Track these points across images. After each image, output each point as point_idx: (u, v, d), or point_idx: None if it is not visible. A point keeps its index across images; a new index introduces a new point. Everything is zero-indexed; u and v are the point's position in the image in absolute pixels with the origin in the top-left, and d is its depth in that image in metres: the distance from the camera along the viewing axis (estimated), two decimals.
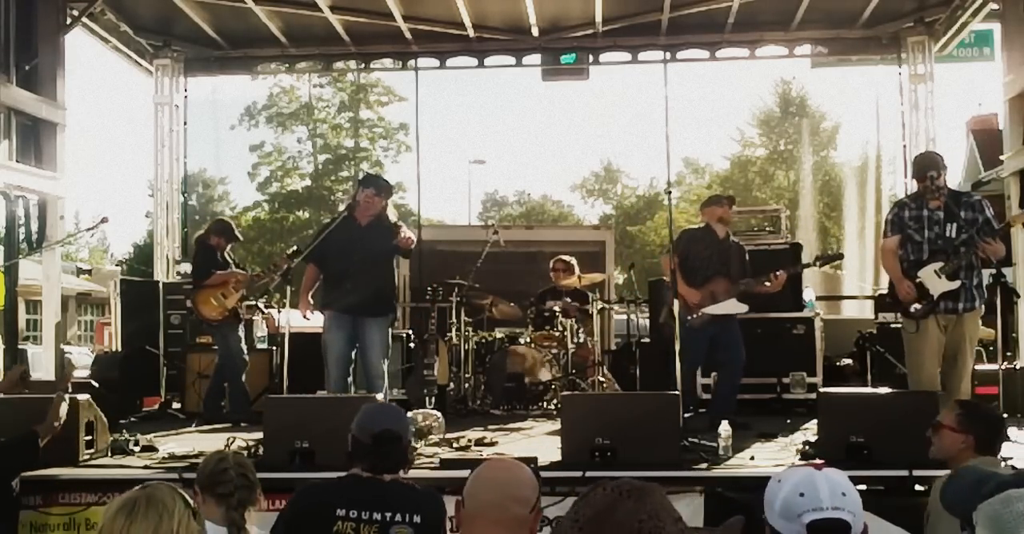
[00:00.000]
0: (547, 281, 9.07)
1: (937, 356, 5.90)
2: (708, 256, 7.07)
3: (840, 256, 8.21)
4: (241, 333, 8.20)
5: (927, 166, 6.07)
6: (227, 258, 8.37)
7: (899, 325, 7.11)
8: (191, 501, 2.52)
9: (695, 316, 6.99)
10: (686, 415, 6.53)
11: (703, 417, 7.05)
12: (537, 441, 6.49)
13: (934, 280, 5.91)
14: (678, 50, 11.38)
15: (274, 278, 7.80)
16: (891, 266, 6.08)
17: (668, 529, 1.77)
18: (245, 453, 5.28)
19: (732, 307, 7.02)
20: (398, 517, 3.16)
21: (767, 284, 7.10)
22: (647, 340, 9.04)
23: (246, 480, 3.30)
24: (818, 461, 4.60)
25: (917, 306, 5.94)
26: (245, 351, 8.22)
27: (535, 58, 11.50)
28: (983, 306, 6.07)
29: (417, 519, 3.18)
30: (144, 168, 43.84)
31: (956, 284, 5.89)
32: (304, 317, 7.13)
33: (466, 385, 8.46)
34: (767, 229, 9.35)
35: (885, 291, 9.30)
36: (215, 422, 7.78)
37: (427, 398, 7.71)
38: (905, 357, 6.27)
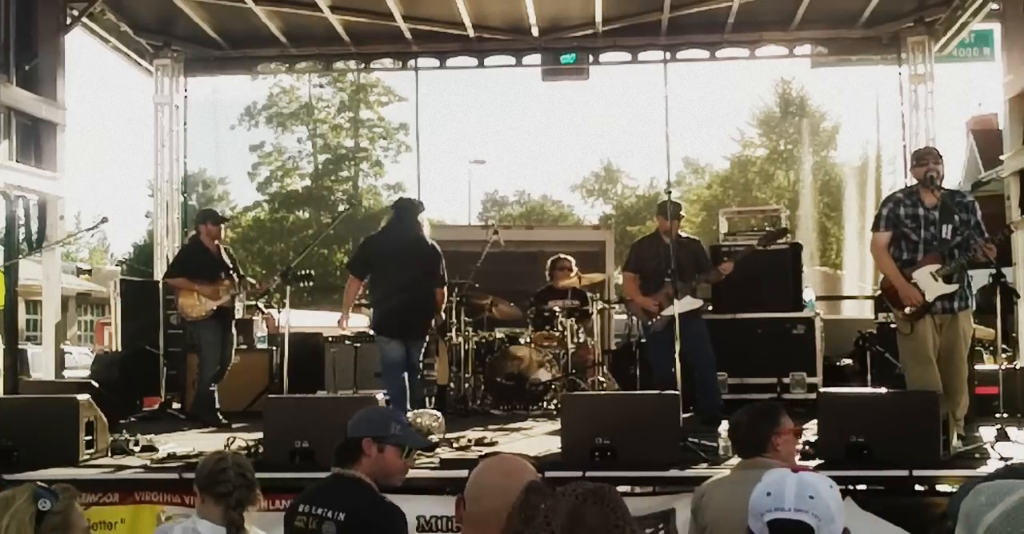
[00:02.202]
0: (546, 281, 9.08)
1: (934, 356, 5.90)
2: (658, 263, 7.24)
3: (783, 232, 8.25)
4: (215, 336, 8.02)
5: (924, 152, 6.14)
6: (224, 254, 8.25)
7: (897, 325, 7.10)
8: (49, 503, 2.51)
9: (655, 321, 7.30)
10: (686, 415, 6.57)
11: (694, 417, 7.17)
12: (537, 441, 6.50)
13: (930, 282, 5.89)
14: (678, 50, 11.37)
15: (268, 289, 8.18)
16: (890, 268, 6.05)
17: (637, 531, 1.81)
18: (245, 453, 5.28)
19: (687, 304, 7.12)
20: (329, 513, 3.33)
21: (720, 271, 7.37)
22: (645, 340, 9.04)
23: (245, 480, 3.31)
24: (816, 463, 4.63)
25: (912, 308, 5.93)
26: (222, 355, 8.05)
27: (535, 58, 11.49)
28: (975, 304, 6.08)
29: (341, 517, 3.31)
30: (144, 168, 43.85)
31: (953, 287, 5.88)
32: None
33: (466, 385, 8.46)
34: (767, 229, 9.33)
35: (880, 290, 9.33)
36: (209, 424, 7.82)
37: (427, 398, 7.72)
38: (901, 358, 6.27)
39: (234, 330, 8.30)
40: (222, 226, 8.33)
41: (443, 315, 7.84)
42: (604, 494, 1.84)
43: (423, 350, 7.41)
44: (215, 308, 7.94)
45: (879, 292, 6.68)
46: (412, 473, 5.29)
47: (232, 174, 41.28)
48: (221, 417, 7.88)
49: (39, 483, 2.63)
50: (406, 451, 3.60)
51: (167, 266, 9.02)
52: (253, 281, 8.41)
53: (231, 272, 8.16)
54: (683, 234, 7.73)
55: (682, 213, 7.93)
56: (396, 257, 7.22)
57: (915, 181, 6.11)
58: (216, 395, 8.04)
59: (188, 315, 8.05)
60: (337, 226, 29.18)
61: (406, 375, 7.07)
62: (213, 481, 3.29)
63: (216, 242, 8.24)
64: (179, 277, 8.14)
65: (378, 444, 3.54)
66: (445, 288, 7.49)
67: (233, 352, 8.26)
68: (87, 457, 5.68)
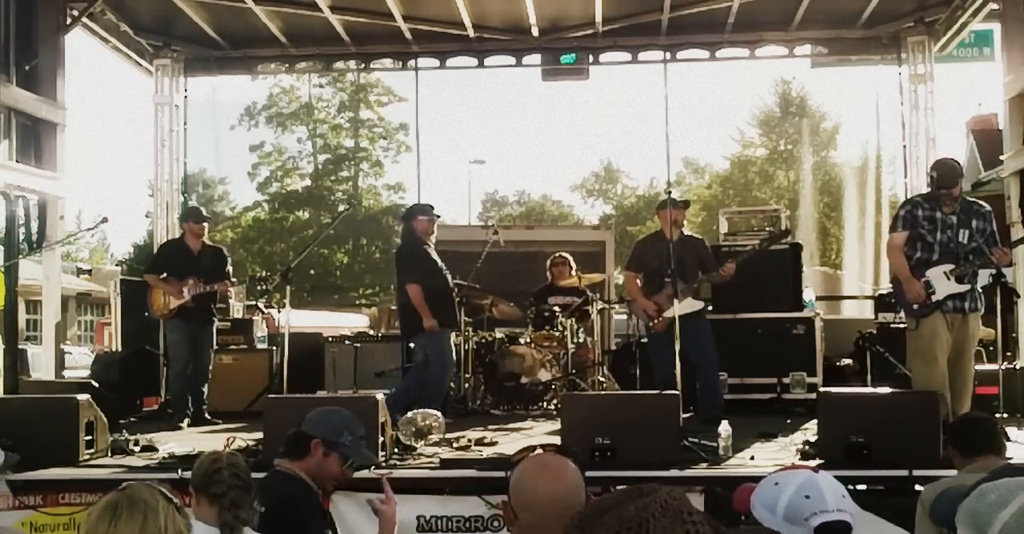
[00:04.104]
0: (546, 280, 9.08)
1: (945, 355, 5.91)
2: (660, 262, 7.21)
3: (786, 233, 8.27)
4: (179, 335, 7.97)
5: (946, 181, 6.01)
6: (208, 254, 8.12)
7: (899, 325, 7.15)
8: (173, 497, 2.53)
9: (655, 322, 7.26)
10: (686, 415, 6.56)
11: (695, 417, 7.16)
12: (537, 441, 6.47)
13: (942, 281, 5.94)
14: (678, 50, 11.36)
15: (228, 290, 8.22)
16: (899, 263, 6.09)
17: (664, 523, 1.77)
18: (244, 453, 5.28)
19: (688, 306, 7.12)
20: (259, 505, 3.44)
21: (722, 273, 7.32)
22: (647, 340, 9.04)
23: (239, 480, 3.30)
24: (816, 462, 4.64)
25: (918, 305, 5.95)
26: (193, 355, 7.98)
27: (535, 58, 11.48)
28: (984, 306, 6.10)
29: (263, 509, 3.44)
30: (144, 168, 43.73)
31: (965, 287, 5.93)
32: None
33: (466, 385, 8.45)
34: (767, 229, 9.34)
35: (885, 291, 9.33)
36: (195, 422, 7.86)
37: None
38: (909, 357, 6.27)
39: (210, 330, 8.16)
40: (205, 225, 8.24)
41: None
42: (651, 488, 1.84)
43: (421, 346, 7.68)
44: (176, 307, 7.89)
45: (879, 292, 6.71)
46: (412, 473, 5.33)
47: (232, 174, 41.33)
48: (208, 415, 7.92)
49: (143, 482, 2.62)
50: (349, 462, 3.75)
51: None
52: (231, 282, 8.32)
53: (202, 272, 7.97)
54: (687, 232, 7.71)
55: (683, 199, 7.96)
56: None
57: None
58: (203, 395, 8.03)
59: (153, 313, 8.10)
60: (337, 226, 29.18)
61: (438, 373, 7.60)
62: (208, 482, 3.28)
63: (204, 240, 8.17)
64: (149, 274, 8.21)
65: (325, 448, 3.69)
66: (413, 283, 7.58)
67: (210, 354, 8.18)
68: (87, 457, 5.68)
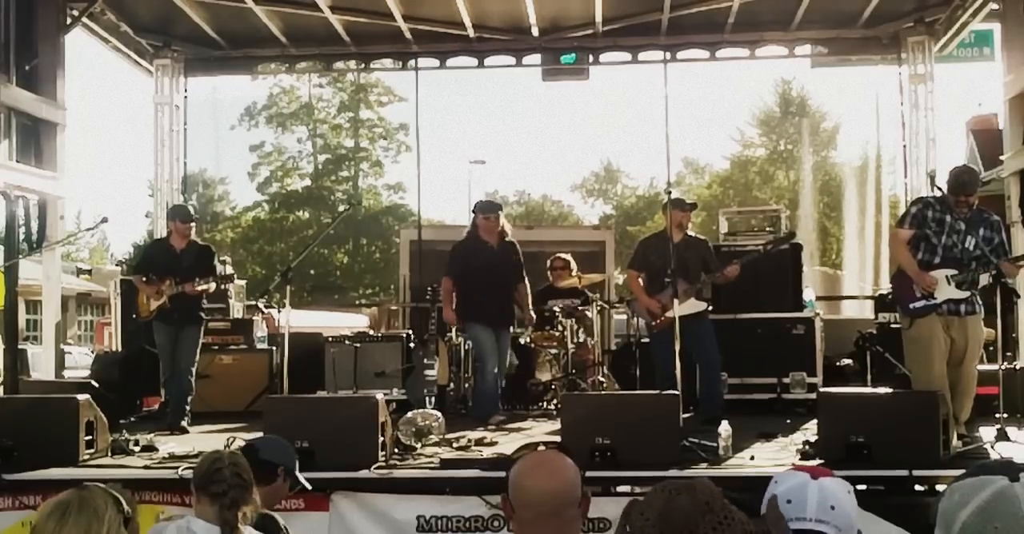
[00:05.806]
0: (547, 280, 9.08)
1: (943, 356, 5.91)
2: (664, 262, 7.18)
3: (791, 236, 8.27)
4: (162, 338, 7.75)
5: (965, 188, 5.98)
6: (193, 253, 7.88)
7: (899, 325, 7.15)
8: (126, 507, 2.54)
9: (658, 321, 7.25)
10: (686, 415, 6.57)
11: (696, 417, 7.16)
12: (537, 441, 6.49)
13: (943, 285, 5.94)
14: (678, 50, 11.37)
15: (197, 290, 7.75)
16: (906, 257, 6.09)
17: (732, 515, 1.84)
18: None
19: (691, 307, 7.12)
20: None
21: (726, 274, 7.32)
22: (647, 340, 9.04)
23: (240, 479, 3.29)
24: (817, 462, 4.62)
25: (916, 304, 5.95)
26: (175, 357, 7.74)
27: (535, 58, 11.49)
28: (983, 310, 6.11)
29: None
30: (144, 168, 43.69)
31: (964, 294, 5.94)
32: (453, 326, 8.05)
33: (466, 385, 8.45)
34: (767, 229, 9.34)
35: (885, 291, 9.32)
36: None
37: (427, 398, 7.72)
38: (906, 359, 6.28)
39: (191, 331, 7.79)
40: (192, 224, 8.02)
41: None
42: (694, 484, 1.91)
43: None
44: (155, 309, 7.73)
45: (879, 292, 6.70)
46: (412, 473, 5.34)
47: (232, 174, 41.17)
48: (186, 422, 7.59)
49: (100, 485, 2.63)
50: (296, 488, 3.95)
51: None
52: (214, 278, 8.10)
53: (181, 272, 7.71)
54: (691, 233, 7.72)
55: (690, 202, 7.97)
56: None
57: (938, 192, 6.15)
58: (184, 401, 7.67)
59: (138, 315, 8.00)
60: (337, 226, 29.16)
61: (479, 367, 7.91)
62: (208, 481, 3.28)
63: (191, 239, 7.95)
64: (134, 275, 8.15)
65: (285, 475, 3.83)
66: (445, 277, 7.92)
67: (191, 356, 7.78)
68: (87, 457, 5.68)
